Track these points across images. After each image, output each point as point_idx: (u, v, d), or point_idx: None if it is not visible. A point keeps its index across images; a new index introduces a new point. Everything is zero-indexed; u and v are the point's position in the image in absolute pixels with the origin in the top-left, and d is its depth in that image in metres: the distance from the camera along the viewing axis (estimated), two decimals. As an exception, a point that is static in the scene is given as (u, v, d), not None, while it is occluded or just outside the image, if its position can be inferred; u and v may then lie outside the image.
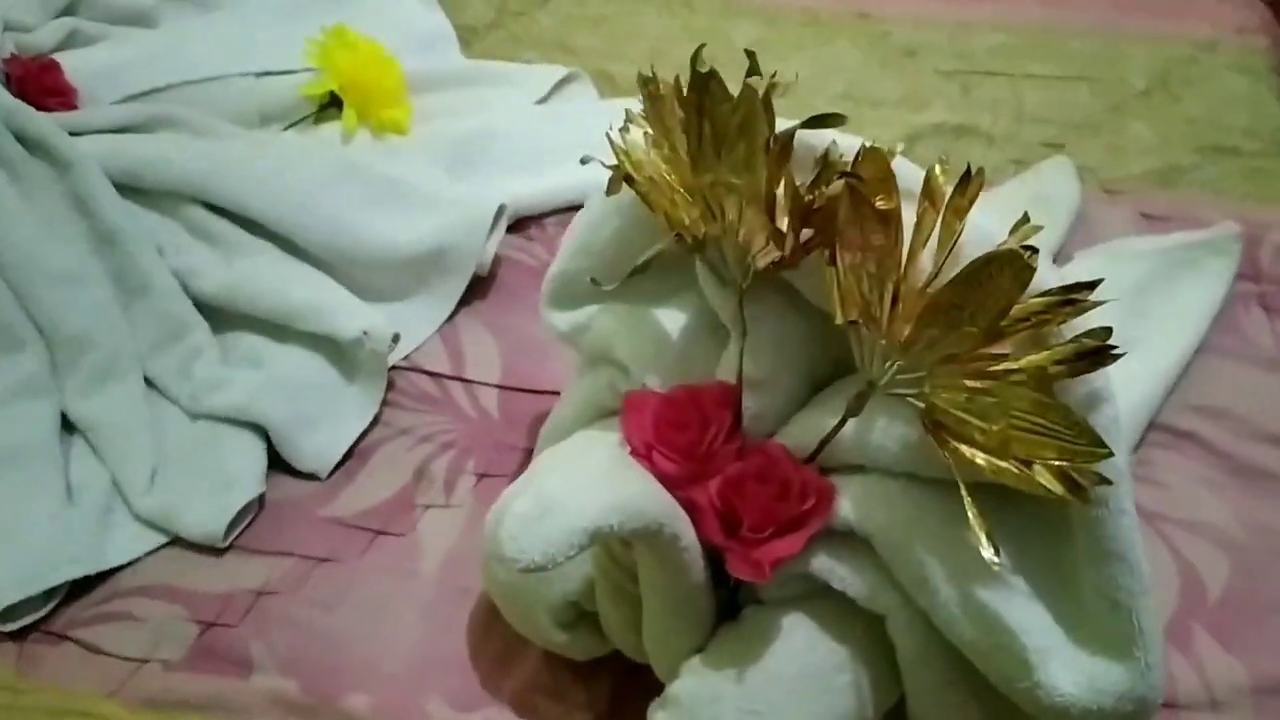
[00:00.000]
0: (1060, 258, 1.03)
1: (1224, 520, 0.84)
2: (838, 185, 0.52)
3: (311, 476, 0.85)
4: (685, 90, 0.57)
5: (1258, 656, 0.76)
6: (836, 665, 0.61)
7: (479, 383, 0.92)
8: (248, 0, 1.18)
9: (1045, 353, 0.50)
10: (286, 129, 1.06)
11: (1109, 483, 0.50)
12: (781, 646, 0.61)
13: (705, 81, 0.55)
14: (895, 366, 0.53)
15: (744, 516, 0.58)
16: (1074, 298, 0.49)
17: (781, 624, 0.62)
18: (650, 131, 0.62)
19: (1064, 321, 0.50)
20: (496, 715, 0.72)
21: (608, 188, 0.65)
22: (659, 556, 0.57)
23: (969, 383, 0.51)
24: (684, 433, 0.61)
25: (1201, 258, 1.01)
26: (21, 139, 0.92)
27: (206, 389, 0.87)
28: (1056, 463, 0.50)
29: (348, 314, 0.88)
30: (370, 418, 0.88)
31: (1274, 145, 1.17)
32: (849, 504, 0.59)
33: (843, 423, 0.58)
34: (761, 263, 0.56)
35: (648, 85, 0.60)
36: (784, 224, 0.54)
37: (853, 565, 0.60)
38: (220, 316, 0.91)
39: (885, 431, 0.58)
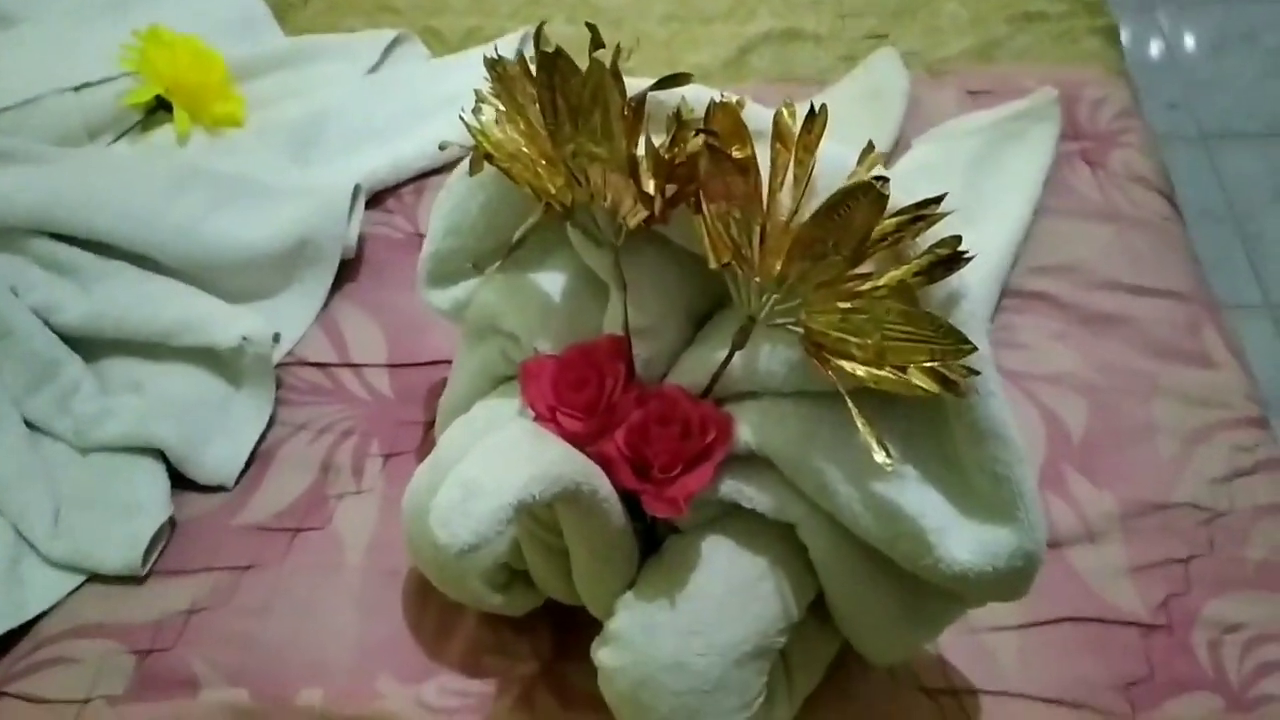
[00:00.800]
0: (899, 146, 1.08)
1: (1077, 366, 0.92)
2: (695, 141, 0.54)
3: (218, 489, 0.85)
4: (534, 70, 0.58)
5: (1123, 484, 0.84)
6: (759, 574, 0.65)
7: (367, 365, 0.93)
8: (45, 11, 1.12)
9: (904, 267, 0.54)
10: (115, 141, 1.03)
11: (976, 373, 0.55)
12: (705, 568, 0.65)
13: (553, 60, 0.56)
14: (771, 300, 0.57)
15: (653, 460, 0.61)
16: (924, 214, 0.53)
17: (701, 548, 0.66)
18: (503, 109, 0.63)
19: (918, 235, 0.54)
20: (447, 681, 0.75)
21: (470, 168, 0.66)
22: (581, 512, 0.60)
23: (841, 304, 0.55)
24: (583, 391, 0.64)
25: (1026, 127, 1.07)
26: None
27: (90, 422, 0.85)
28: (928, 364, 0.54)
29: (222, 322, 0.88)
30: (265, 420, 0.88)
31: (1079, 6, 1.24)
32: (747, 429, 0.63)
33: (730, 357, 0.61)
34: (633, 222, 0.59)
35: (495, 67, 0.61)
36: (649, 185, 0.56)
37: (758, 484, 0.64)
38: (90, 346, 0.90)
39: (770, 358, 0.62)
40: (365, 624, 0.78)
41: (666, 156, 0.55)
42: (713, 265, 0.58)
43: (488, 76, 0.63)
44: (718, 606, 0.64)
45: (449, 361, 0.91)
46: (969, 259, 0.53)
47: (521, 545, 0.69)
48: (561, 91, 0.57)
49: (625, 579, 0.67)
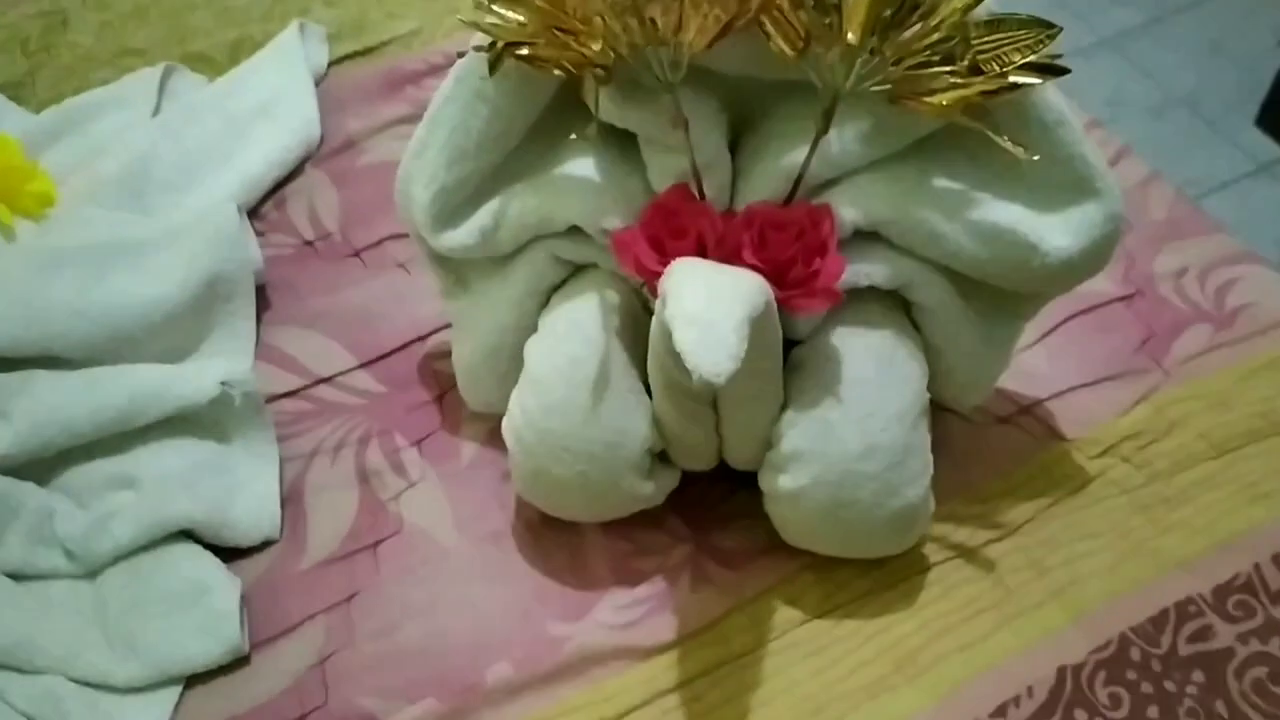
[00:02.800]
0: None
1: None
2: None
3: (262, 545, 0.78)
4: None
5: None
6: (892, 345, 0.69)
7: (339, 374, 0.87)
8: None
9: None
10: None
11: (1060, 57, 0.61)
12: (848, 358, 0.68)
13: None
14: (858, 65, 0.60)
15: (787, 265, 0.63)
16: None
17: (832, 343, 0.69)
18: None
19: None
20: (613, 598, 0.74)
21: (490, 68, 0.64)
22: (771, 324, 0.62)
23: (927, 40, 0.59)
24: (686, 237, 0.65)
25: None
26: None
27: (87, 539, 0.75)
28: (1024, 61, 0.60)
29: (186, 378, 0.79)
30: (277, 457, 0.81)
31: None
32: (847, 210, 0.66)
33: (815, 145, 0.64)
34: (701, 42, 0.60)
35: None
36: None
37: (869, 259, 0.68)
38: (35, 468, 0.78)
39: (841, 139, 0.65)
40: (502, 590, 0.75)
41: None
42: (790, 56, 0.60)
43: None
44: (877, 385, 0.67)
45: (419, 338, 0.89)
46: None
47: (666, 415, 0.69)
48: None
49: (778, 405, 0.68)
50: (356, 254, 0.95)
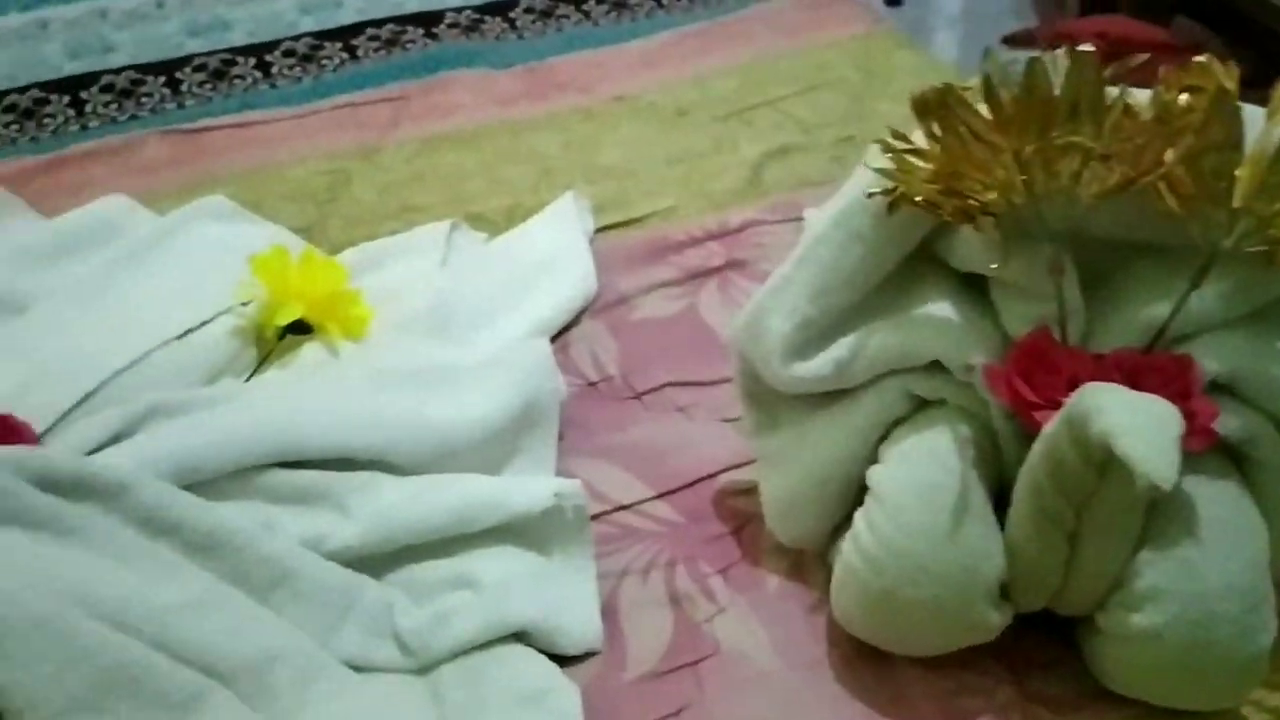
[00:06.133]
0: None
1: None
2: (1188, 96, 0.64)
3: (587, 654, 0.79)
4: (987, 92, 0.65)
5: None
6: (1236, 493, 0.72)
7: (639, 501, 0.91)
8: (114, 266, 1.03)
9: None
10: (253, 374, 0.95)
11: None
12: (1201, 501, 0.70)
13: (1035, 66, 0.64)
14: (1241, 226, 0.66)
15: (1164, 405, 0.68)
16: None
17: (1185, 487, 0.71)
18: (915, 145, 0.70)
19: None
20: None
21: (889, 209, 0.71)
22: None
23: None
24: (1059, 373, 0.69)
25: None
26: (46, 487, 0.75)
27: (426, 634, 0.77)
28: None
29: (520, 489, 0.83)
30: (594, 571, 0.83)
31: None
32: (1209, 361, 0.71)
33: (1184, 299, 0.69)
34: (1095, 197, 0.67)
35: (931, 99, 0.68)
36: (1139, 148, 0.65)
37: (1222, 411, 0.72)
38: (364, 565, 0.81)
39: (1203, 295, 0.71)
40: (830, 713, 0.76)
41: (1172, 108, 0.64)
42: (1177, 211, 0.67)
43: (913, 114, 0.69)
44: (1232, 528, 0.70)
45: (709, 476, 0.93)
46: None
47: (1022, 546, 0.71)
48: (1033, 94, 0.65)
49: (1135, 540, 0.71)
50: (638, 396, 1.01)
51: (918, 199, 0.70)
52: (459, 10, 1.59)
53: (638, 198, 1.24)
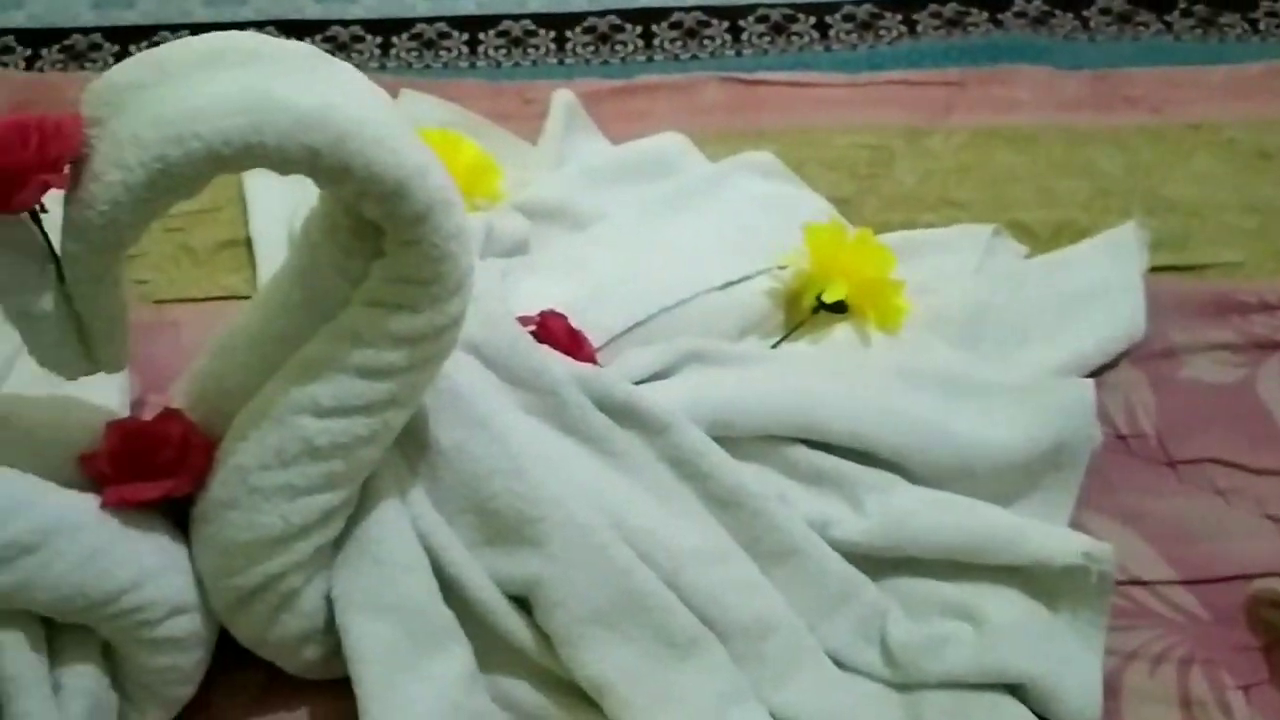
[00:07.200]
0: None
1: None
2: None
3: (1070, 725, 0.74)
4: None
5: None
6: None
7: (1158, 582, 0.83)
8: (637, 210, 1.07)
9: None
10: (781, 341, 0.96)
11: None
12: None
13: None
14: None
15: None
16: None
17: None
18: None
19: None
20: None
21: None
22: None
23: None
24: None
25: None
26: (602, 408, 0.80)
27: (918, 653, 0.75)
28: None
29: (1048, 536, 0.79)
30: (1102, 645, 0.77)
31: None
32: None
33: None
34: None
35: None
36: None
37: None
38: (874, 566, 0.80)
39: None
40: None
41: None
42: None
43: None
44: None
45: (1244, 576, 0.83)
46: None
47: None
48: None
49: None
50: (1172, 464, 0.92)
51: None
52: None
53: (1202, 243, 1.13)
